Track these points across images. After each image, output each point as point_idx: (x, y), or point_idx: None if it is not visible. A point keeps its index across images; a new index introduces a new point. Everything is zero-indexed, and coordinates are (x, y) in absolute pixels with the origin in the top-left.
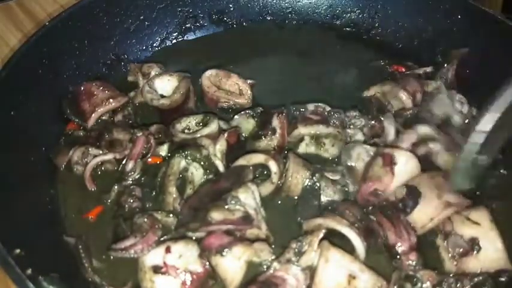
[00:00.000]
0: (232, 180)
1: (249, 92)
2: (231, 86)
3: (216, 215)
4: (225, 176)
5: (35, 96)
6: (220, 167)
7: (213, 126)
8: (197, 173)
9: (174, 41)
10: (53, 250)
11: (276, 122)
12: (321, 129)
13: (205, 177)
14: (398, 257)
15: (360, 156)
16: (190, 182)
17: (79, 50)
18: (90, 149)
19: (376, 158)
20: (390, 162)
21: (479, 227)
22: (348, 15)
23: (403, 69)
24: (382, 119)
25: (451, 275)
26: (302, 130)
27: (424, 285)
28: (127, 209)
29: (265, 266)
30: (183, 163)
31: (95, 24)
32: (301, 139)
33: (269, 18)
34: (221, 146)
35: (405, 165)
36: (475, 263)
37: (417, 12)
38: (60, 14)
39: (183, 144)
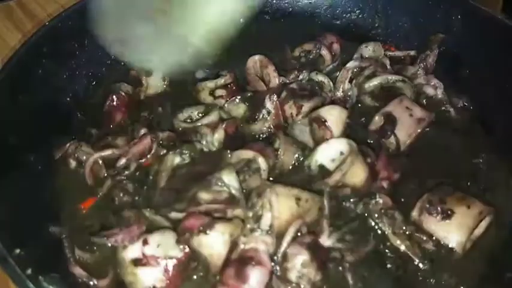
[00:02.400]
0: (210, 163)
1: (276, 84)
2: (265, 75)
3: (204, 196)
4: (202, 160)
5: (35, 96)
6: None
7: (213, 116)
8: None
9: None
10: (53, 250)
11: (269, 104)
12: (317, 101)
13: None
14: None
15: (302, 131)
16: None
17: (79, 50)
18: (83, 146)
19: (312, 126)
20: (322, 122)
21: (466, 209)
22: (348, 15)
23: (393, 49)
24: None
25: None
26: (307, 105)
27: (376, 202)
28: (117, 202)
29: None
30: (176, 159)
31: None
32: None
33: (268, 18)
34: (219, 135)
35: (332, 116)
36: (434, 227)
37: (417, 12)
38: (60, 14)
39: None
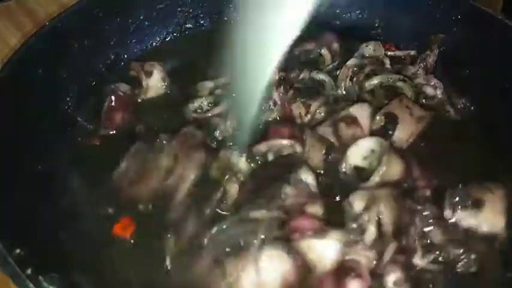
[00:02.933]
0: (284, 166)
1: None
2: None
3: (289, 190)
4: (274, 164)
5: (35, 96)
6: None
7: (224, 106)
8: (241, 160)
9: (174, 39)
10: (53, 250)
11: (275, 95)
12: (322, 100)
13: (248, 161)
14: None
15: (325, 132)
16: (238, 171)
17: (79, 50)
18: None
19: (338, 125)
20: (353, 120)
21: (491, 194)
22: (348, 15)
23: (393, 48)
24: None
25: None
26: (315, 104)
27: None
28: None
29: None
30: (228, 154)
31: (95, 24)
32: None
33: None
34: (232, 122)
35: (363, 113)
36: (471, 220)
37: (417, 12)
38: (60, 14)
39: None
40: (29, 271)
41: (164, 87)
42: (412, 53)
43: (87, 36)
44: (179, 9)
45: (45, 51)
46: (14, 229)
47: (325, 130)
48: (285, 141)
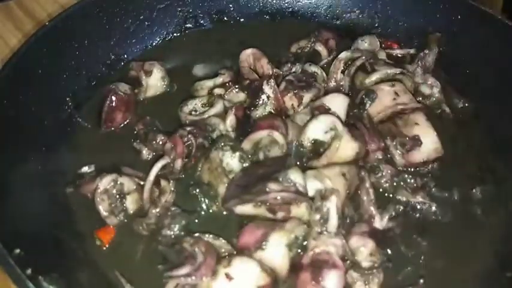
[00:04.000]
0: (275, 166)
1: (270, 73)
2: (259, 68)
3: (273, 186)
4: (266, 163)
5: (35, 96)
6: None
7: (219, 106)
8: (233, 161)
9: (174, 38)
10: (53, 250)
11: (267, 89)
12: (315, 91)
13: (241, 161)
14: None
15: (303, 120)
16: (230, 171)
17: (79, 50)
18: (120, 177)
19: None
20: (325, 110)
21: (418, 126)
22: (348, 15)
23: (396, 46)
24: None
25: (403, 169)
26: (307, 96)
27: (384, 173)
28: (171, 232)
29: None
30: (220, 154)
31: (95, 24)
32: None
33: (269, 18)
34: (231, 121)
35: (336, 103)
36: (419, 155)
37: (417, 12)
38: (60, 14)
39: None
40: (29, 271)
41: (164, 86)
42: (412, 51)
43: (87, 36)
44: (179, 9)
45: (45, 51)
46: (14, 229)
47: (303, 118)
48: (264, 132)
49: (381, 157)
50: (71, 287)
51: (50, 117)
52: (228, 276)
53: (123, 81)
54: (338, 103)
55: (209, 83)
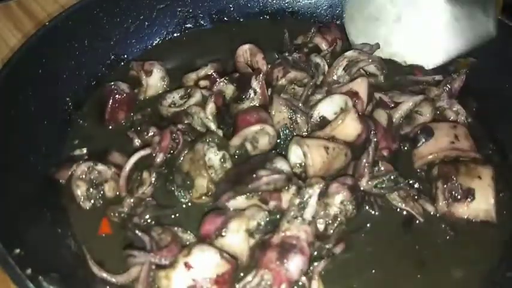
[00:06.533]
0: (261, 160)
1: (264, 69)
2: (254, 63)
3: (263, 172)
4: (251, 161)
5: (35, 96)
6: (213, 127)
7: (198, 95)
8: (215, 158)
9: (174, 38)
10: (53, 250)
11: (255, 83)
12: (304, 75)
13: (221, 160)
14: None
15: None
16: (210, 166)
17: (79, 50)
18: (96, 166)
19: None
20: (354, 94)
21: (480, 180)
22: None
23: (419, 74)
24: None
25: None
26: (294, 74)
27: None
28: (141, 221)
29: (265, 226)
30: (205, 148)
31: (95, 24)
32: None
33: (269, 18)
34: (211, 109)
35: (362, 87)
36: (464, 210)
37: None
38: (60, 14)
39: (201, 134)
40: (29, 271)
41: (164, 86)
42: (437, 77)
43: (87, 36)
44: (179, 9)
45: (45, 51)
46: (14, 229)
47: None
48: (255, 127)
49: (385, 155)
50: (71, 287)
51: (50, 117)
52: (187, 265)
53: (123, 81)
54: (364, 86)
55: (193, 76)
